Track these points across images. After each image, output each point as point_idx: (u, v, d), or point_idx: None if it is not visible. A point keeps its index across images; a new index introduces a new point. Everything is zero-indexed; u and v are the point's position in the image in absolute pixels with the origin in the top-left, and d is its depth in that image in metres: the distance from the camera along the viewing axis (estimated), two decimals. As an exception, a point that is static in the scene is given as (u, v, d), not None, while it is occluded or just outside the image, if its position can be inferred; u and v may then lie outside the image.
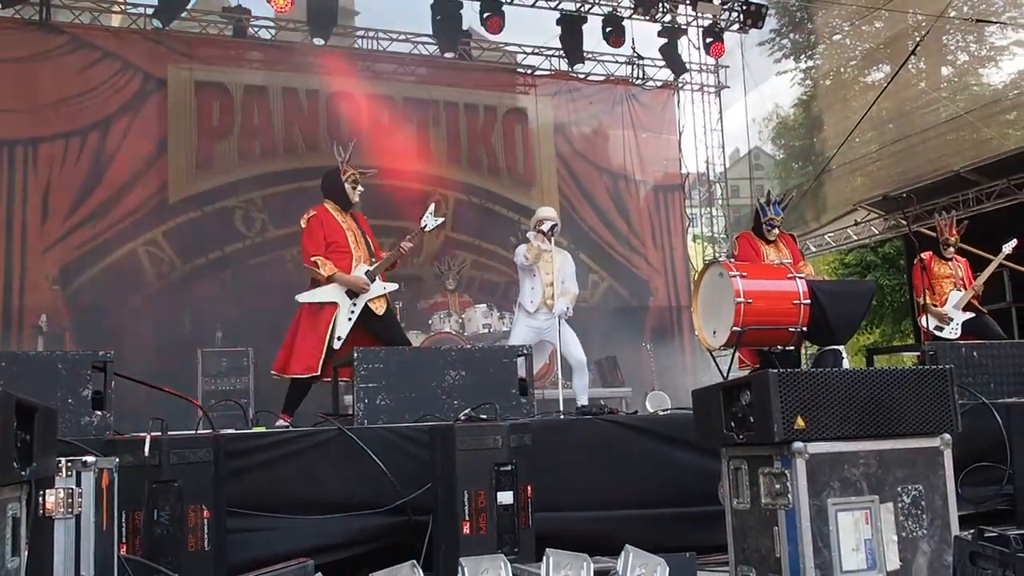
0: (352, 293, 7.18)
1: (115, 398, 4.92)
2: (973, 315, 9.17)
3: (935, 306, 9.11)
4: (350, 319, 7.13)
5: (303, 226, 7.36)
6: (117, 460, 3.31)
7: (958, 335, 9.01)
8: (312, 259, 7.20)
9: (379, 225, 13.42)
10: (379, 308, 7.30)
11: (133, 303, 11.32)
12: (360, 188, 7.54)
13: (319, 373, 6.94)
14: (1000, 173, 13.08)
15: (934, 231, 9.64)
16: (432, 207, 7.75)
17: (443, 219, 8.01)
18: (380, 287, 7.29)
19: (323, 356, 6.94)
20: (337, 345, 7.03)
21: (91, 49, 12.43)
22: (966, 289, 9.26)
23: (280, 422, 6.76)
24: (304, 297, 7.31)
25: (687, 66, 15.92)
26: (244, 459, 4.68)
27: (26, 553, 2.64)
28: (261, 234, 12.87)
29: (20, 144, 11.78)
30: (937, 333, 9.08)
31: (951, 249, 9.49)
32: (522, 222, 12.99)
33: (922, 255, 9.22)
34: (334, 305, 7.15)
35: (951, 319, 9.09)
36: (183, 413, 5.94)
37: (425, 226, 7.61)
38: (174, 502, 3.88)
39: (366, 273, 7.22)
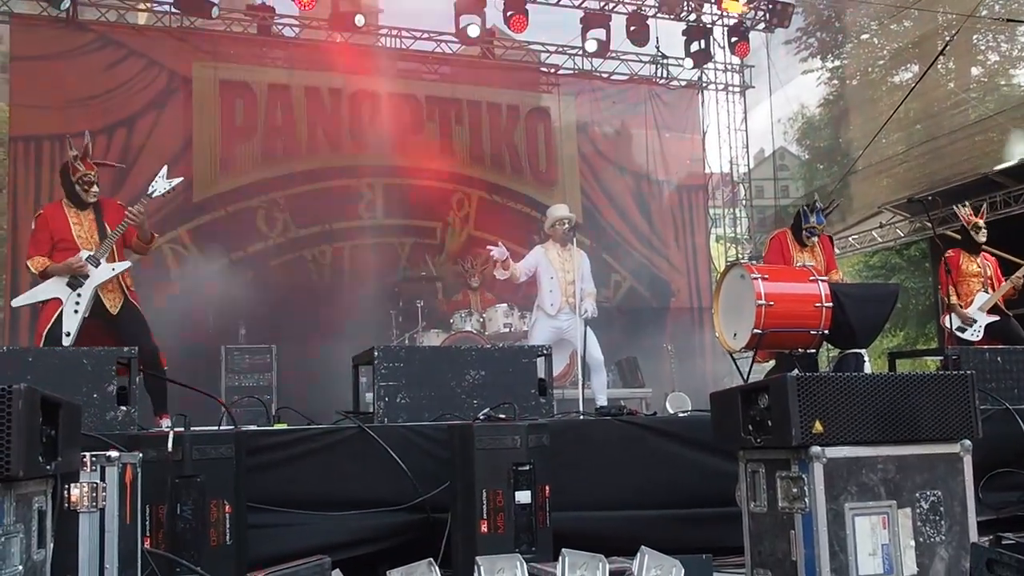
0: (74, 283, 6.50)
1: (139, 394, 4.97)
2: (998, 318, 9.07)
3: (960, 306, 9.02)
4: (76, 311, 6.45)
5: (32, 227, 6.82)
6: (140, 455, 3.35)
7: (980, 338, 8.93)
8: (27, 261, 6.68)
9: (401, 224, 13.57)
10: (113, 306, 6.66)
11: (158, 300, 11.37)
12: (96, 188, 6.80)
13: None
14: (1029, 177, 12.97)
15: (959, 233, 9.52)
16: (164, 170, 6.91)
17: (179, 180, 6.98)
18: (106, 270, 6.59)
19: None
20: (67, 342, 6.32)
21: (117, 47, 12.55)
22: (994, 290, 9.16)
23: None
24: (19, 301, 6.87)
25: (712, 63, 15.94)
26: (265, 455, 4.71)
27: (51, 545, 2.69)
28: (283, 234, 12.96)
29: (47, 140, 11.87)
30: (959, 335, 8.97)
31: (983, 233, 9.25)
32: (544, 221, 13.01)
33: (948, 253, 9.15)
34: (57, 301, 6.50)
35: (975, 321, 8.99)
36: (206, 409, 5.99)
37: (153, 192, 6.79)
38: (196, 497, 3.91)
39: (88, 258, 6.53)
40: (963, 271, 9.19)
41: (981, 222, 9.29)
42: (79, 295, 6.48)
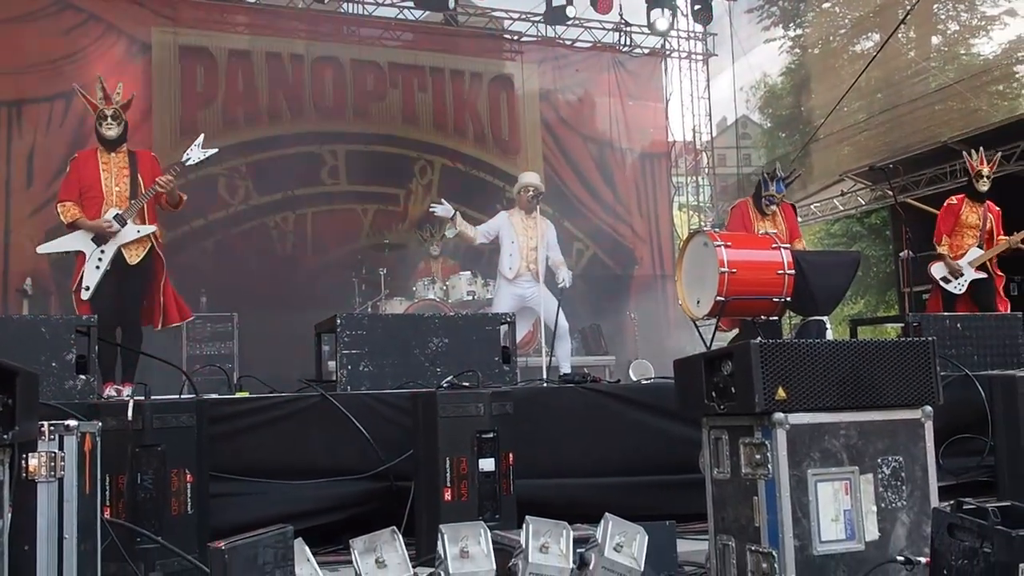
0: (100, 239, 6.62)
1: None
2: (985, 276, 9.00)
3: (950, 257, 9.00)
4: (98, 267, 6.58)
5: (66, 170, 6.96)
6: (100, 424, 3.30)
7: (963, 292, 8.89)
8: (56, 205, 6.78)
9: (364, 191, 13.48)
10: (133, 257, 6.75)
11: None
12: (112, 123, 6.80)
13: None
14: (988, 144, 13.03)
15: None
16: (200, 139, 7.04)
17: (215, 150, 7.18)
18: (132, 231, 6.70)
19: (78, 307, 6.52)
20: (85, 296, 6.53)
21: (75, 11, 12.28)
22: (990, 247, 9.03)
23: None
24: (45, 248, 6.90)
25: (676, 31, 15.92)
26: (227, 424, 4.69)
27: (9, 515, 2.65)
28: (245, 201, 12.83)
29: (4, 106, 11.67)
30: (943, 285, 8.95)
31: (984, 182, 9.06)
32: (507, 189, 12.97)
33: (951, 199, 9.18)
34: (80, 255, 6.65)
35: (962, 274, 8.95)
36: (168, 378, 5.94)
37: (187, 160, 6.93)
38: (157, 466, 3.89)
39: (115, 216, 6.62)
40: (961, 220, 9.10)
41: (985, 170, 9.11)
42: (103, 251, 6.62)
